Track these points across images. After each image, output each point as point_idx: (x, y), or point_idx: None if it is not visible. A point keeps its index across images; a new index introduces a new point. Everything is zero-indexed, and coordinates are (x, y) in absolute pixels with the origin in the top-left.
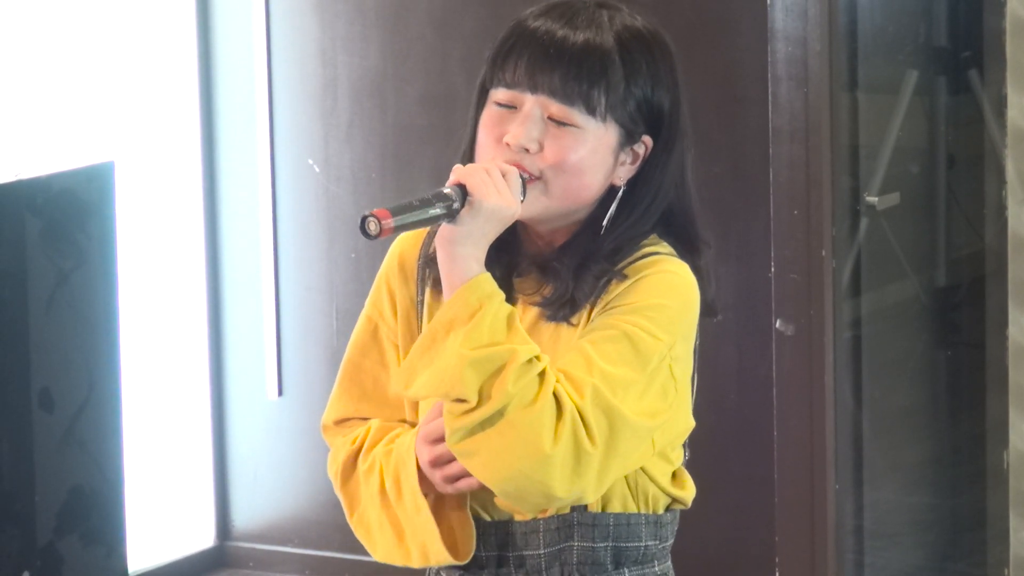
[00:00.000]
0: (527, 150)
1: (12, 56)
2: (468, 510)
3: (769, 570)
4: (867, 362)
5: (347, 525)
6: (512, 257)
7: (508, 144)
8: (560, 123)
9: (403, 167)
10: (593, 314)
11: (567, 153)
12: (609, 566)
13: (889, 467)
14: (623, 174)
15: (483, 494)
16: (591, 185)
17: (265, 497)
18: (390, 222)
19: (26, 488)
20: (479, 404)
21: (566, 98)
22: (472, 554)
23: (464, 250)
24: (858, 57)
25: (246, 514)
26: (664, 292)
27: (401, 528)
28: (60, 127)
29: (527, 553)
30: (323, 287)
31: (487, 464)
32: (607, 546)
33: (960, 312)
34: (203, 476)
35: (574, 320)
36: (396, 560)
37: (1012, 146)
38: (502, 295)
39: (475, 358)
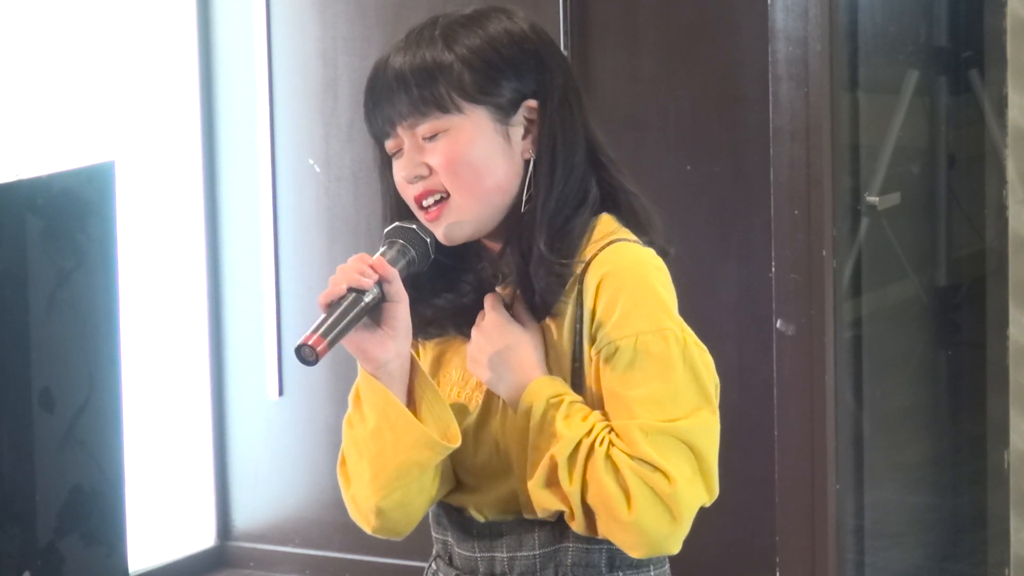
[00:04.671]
0: (422, 176)
1: (12, 56)
2: (437, 393)
3: (769, 570)
4: (867, 362)
5: (347, 525)
6: (482, 269)
7: (407, 182)
8: (431, 137)
9: None
10: (594, 331)
11: (449, 155)
12: (603, 569)
13: (889, 467)
14: (529, 145)
15: (477, 495)
16: (493, 172)
17: (265, 497)
18: (323, 343)
19: (27, 488)
20: (572, 511)
21: (417, 112)
22: (460, 437)
23: (488, 366)
24: (859, 57)
25: (246, 514)
26: (641, 282)
27: (374, 449)
28: (60, 127)
29: (521, 554)
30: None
31: (618, 543)
32: (601, 548)
33: (960, 312)
34: (203, 476)
35: (555, 311)
36: (372, 498)
37: (1012, 146)
38: (545, 394)
39: (535, 484)
